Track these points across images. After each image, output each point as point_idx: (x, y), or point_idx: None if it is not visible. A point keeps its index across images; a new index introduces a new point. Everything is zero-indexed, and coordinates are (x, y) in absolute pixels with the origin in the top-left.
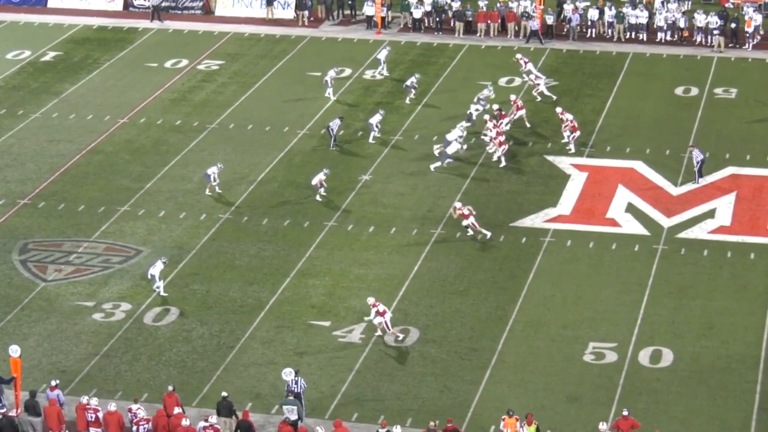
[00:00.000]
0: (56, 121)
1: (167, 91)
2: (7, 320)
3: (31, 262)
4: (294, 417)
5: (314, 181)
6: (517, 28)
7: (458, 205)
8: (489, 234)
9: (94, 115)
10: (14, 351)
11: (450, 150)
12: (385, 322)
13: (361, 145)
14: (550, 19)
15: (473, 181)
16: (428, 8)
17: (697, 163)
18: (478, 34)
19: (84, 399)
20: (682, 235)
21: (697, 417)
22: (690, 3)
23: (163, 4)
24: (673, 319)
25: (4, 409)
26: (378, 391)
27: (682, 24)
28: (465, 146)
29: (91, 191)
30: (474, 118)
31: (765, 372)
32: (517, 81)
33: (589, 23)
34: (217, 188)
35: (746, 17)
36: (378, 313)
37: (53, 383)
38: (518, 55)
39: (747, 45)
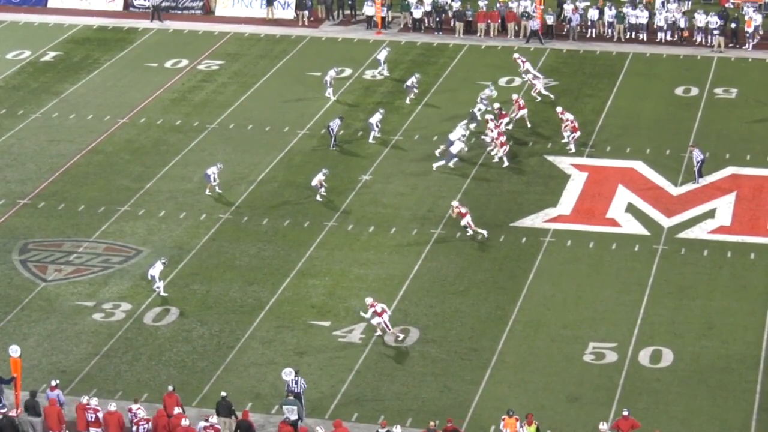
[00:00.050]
0: (56, 121)
1: (167, 91)
2: (7, 320)
3: (31, 262)
4: (294, 417)
5: (314, 182)
6: (517, 28)
7: (456, 203)
8: (485, 233)
9: (94, 115)
10: (14, 351)
11: (454, 149)
12: (384, 322)
13: (361, 145)
14: (550, 19)
15: (473, 181)
16: (428, 8)
17: (697, 163)
18: (478, 34)
19: (84, 399)
20: (682, 235)
21: (697, 417)
22: (690, 3)
23: (163, 4)
24: (673, 319)
25: (5, 409)
26: (378, 391)
27: (682, 24)
28: (467, 147)
29: (91, 191)
30: (478, 117)
31: (765, 372)
32: (518, 81)
33: (589, 23)
34: (217, 188)
35: (746, 17)
36: (376, 314)
37: (53, 383)
38: (516, 55)
39: (747, 45)
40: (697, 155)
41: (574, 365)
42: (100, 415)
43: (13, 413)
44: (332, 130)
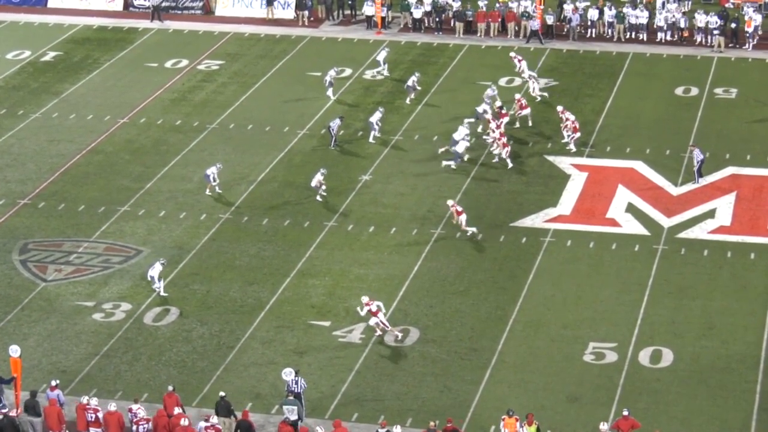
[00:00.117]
0: (56, 121)
1: (167, 91)
2: (7, 320)
3: (31, 262)
4: (294, 417)
5: (313, 183)
6: (517, 28)
7: (451, 202)
8: (475, 229)
9: (94, 115)
10: (14, 351)
11: (460, 149)
12: (380, 321)
13: (361, 145)
14: (550, 19)
15: (473, 180)
16: (428, 8)
17: (698, 163)
18: (478, 34)
19: (84, 399)
20: (682, 235)
21: (697, 417)
22: (690, 3)
23: (163, 4)
24: (673, 319)
25: (6, 410)
26: (378, 391)
27: (682, 24)
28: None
29: (91, 191)
30: (482, 117)
31: (765, 372)
32: (518, 81)
33: (589, 23)
34: (217, 188)
35: (746, 17)
36: (371, 312)
37: (53, 383)
38: (512, 54)
39: (747, 45)
40: (698, 155)
41: (574, 365)
42: (100, 415)
43: (13, 413)
44: (332, 129)
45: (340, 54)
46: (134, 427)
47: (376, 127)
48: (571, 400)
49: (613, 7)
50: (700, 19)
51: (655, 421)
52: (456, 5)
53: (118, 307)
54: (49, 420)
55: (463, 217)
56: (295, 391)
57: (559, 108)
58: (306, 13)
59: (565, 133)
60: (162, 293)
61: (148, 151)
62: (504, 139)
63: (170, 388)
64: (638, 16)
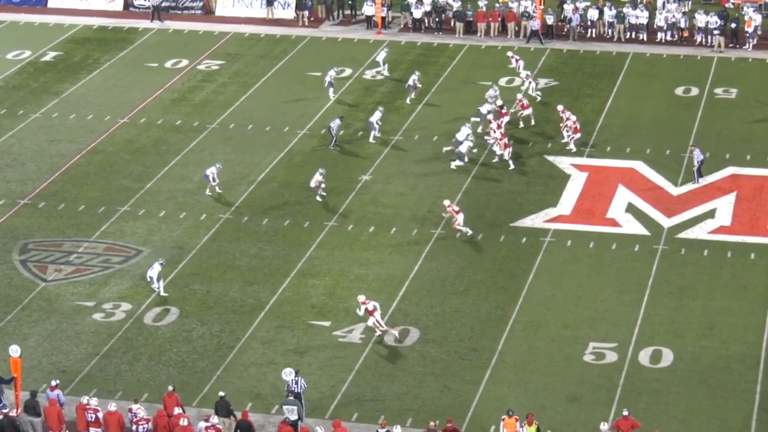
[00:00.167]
0: (56, 121)
1: (167, 91)
2: (7, 320)
3: (31, 262)
4: (294, 417)
5: (312, 183)
6: (517, 28)
7: (447, 202)
8: (470, 232)
9: (95, 115)
10: (14, 351)
11: (463, 149)
12: (376, 321)
13: (361, 145)
14: (550, 19)
15: (473, 181)
16: (428, 8)
17: (698, 163)
18: (478, 34)
19: (84, 399)
20: (683, 235)
21: (697, 417)
22: (690, 3)
23: (164, 4)
24: (673, 319)
25: (6, 410)
26: (378, 391)
27: (682, 24)
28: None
29: (91, 191)
30: (484, 117)
31: (765, 372)
32: (518, 81)
33: (589, 23)
34: (217, 188)
35: (746, 17)
36: (367, 312)
37: (53, 383)
38: (509, 53)
39: (747, 45)
40: (698, 155)
41: (574, 365)
42: (100, 415)
43: (13, 413)
44: (332, 130)
45: (340, 54)
46: (134, 427)
47: (376, 126)
48: (571, 400)
49: (613, 7)
50: (701, 19)
51: (655, 421)
52: (456, 5)
53: (118, 307)
54: (49, 420)
55: (460, 217)
56: (295, 391)
57: (560, 107)
58: (306, 13)
59: (564, 133)
60: (162, 293)
61: (148, 151)
62: (505, 140)
63: (170, 388)
64: (638, 16)
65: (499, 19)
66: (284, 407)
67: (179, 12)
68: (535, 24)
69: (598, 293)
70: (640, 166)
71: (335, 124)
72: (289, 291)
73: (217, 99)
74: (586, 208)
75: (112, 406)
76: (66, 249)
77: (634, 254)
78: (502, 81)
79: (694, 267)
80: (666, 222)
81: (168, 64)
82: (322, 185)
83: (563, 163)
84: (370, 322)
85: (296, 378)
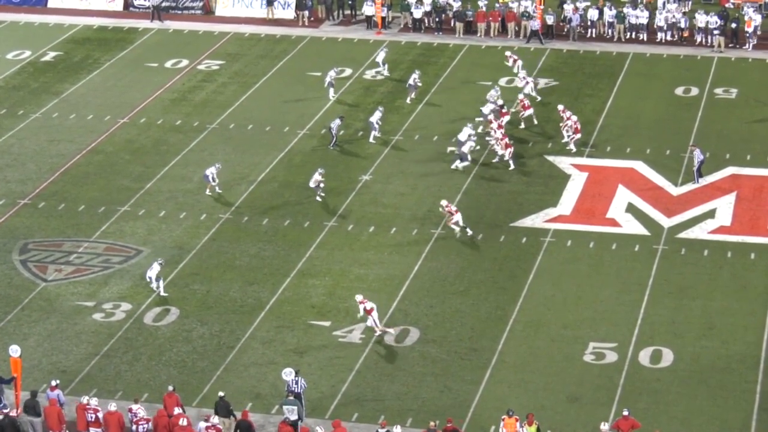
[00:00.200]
0: (56, 121)
1: (167, 91)
2: (7, 320)
3: (32, 262)
4: (294, 417)
5: (312, 183)
6: (517, 28)
7: (445, 202)
8: (458, 230)
9: (95, 115)
10: (14, 351)
11: (466, 149)
12: (373, 321)
13: (361, 145)
14: (550, 19)
15: (473, 180)
16: (428, 8)
17: (698, 163)
18: (478, 34)
19: (84, 399)
20: (683, 235)
21: (697, 417)
22: (690, 3)
23: (164, 4)
24: (674, 319)
25: (7, 410)
26: (378, 391)
27: (682, 24)
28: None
29: (91, 191)
30: (487, 117)
31: (765, 372)
32: (518, 81)
33: (589, 23)
34: (217, 188)
35: (746, 17)
36: (365, 311)
37: (53, 383)
38: (507, 53)
39: (747, 45)
40: (698, 155)
41: (574, 365)
42: (100, 415)
43: (13, 413)
44: (333, 130)
45: (340, 54)
46: (134, 427)
47: (376, 126)
48: (572, 400)
49: (613, 7)
50: (701, 19)
51: (655, 421)
52: (456, 5)
53: (118, 307)
54: (49, 420)
55: (458, 216)
56: (295, 391)
57: (560, 107)
58: (306, 13)
59: (564, 132)
60: (162, 293)
61: (148, 151)
62: (506, 140)
63: (170, 388)
64: (638, 16)
65: (499, 19)
66: (284, 407)
67: (179, 12)
68: (535, 24)
69: (598, 293)
70: (640, 166)
71: (335, 124)
72: (289, 291)
73: (217, 99)
74: (586, 208)
75: (112, 406)
76: (66, 249)
77: (634, 254)
78: (502, 81)
79: (694, 267)
80: (666, 222)
81: (168, 64)
82: (321, 185)
83: (563, 163)
84: (369, 321)
85: (296, 378)
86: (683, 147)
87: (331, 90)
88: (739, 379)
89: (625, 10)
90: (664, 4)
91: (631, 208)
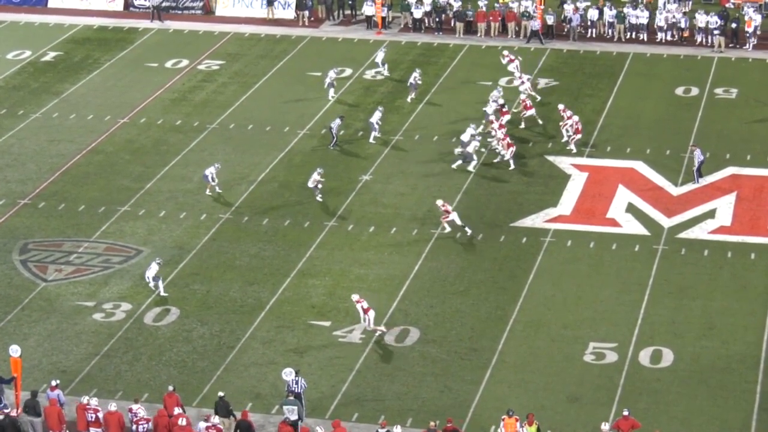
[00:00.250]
0: (56, 121)
1: (167, 91)
2: (7, 320)
3: (32, 262)
4: (294, 417)
5: (310, 183)
6: (517, 28)
7: (440, 202)
8: (449, 229)
9: (95, 115)
10: (14, 351)
11: (471, 149)
12: (369, 320)
13: (362, 145)
14: (550, 19)
15: (474, 180)
16: (428, 8)
17: (698, 163)
18: (478, 34)
19: (84, 399)
20: (683, 235)
21: (697, 417)
22: (690, 3)
23: (164, 4)
24: (674, 319)
25: (8, 410)
26: (378, 391)
27: (682, 24)
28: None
29: (91, 191)
30: (489, 117)
31: (765, 372)
32: (517, 81)
33: (590, 23)
34: (216, 188)
35: (746, 17)
36: (363, 310)
37: (53, 383)
38: (505, 52)
39: (747, 45)
40: (698, 155)
41: (574, 365)
42: (101, 415)
43: (13, 413)
44: (333, 130)
45: (341, 54)
46: (134, 427)
47: (376, 127)
48: (572, 400)
49: (613, 7)
50: (701, 19)
51: (655, 421)
52: (456, 5)
53: (118, 307)
54: (50, 420)
55: (454, 215)
56: (296, 391)
57: (561, 106)
58: (306, 13)
59: (564, 132)
60: (162, 293)
61: (149, 151)
62: (508, 140)
63: (170, 388)
64: (639, 16)
65: (500, 19)
66: (284, 407)
67: (179, 12)
68: (536, 24)
69: (598, 293)
70: (641, 166)
71: (336, 124)
72: (289, 291)
73: (217, 99)
74: (587, 208)
75: (113, 406)
76: (66, 249)
77: (635, 254)
78: (503, 81)
79: (695, 267)
80: (666, 222)
81: (168, 64)
82: (320, 186)
83: (563, 163)
84: (366, 321)
85: (296, 378)
86: (683, 147)
87: (332, 90)
88: (739, 379)
89: (625, 10)
90: (664, 4)
91: (631, 208)
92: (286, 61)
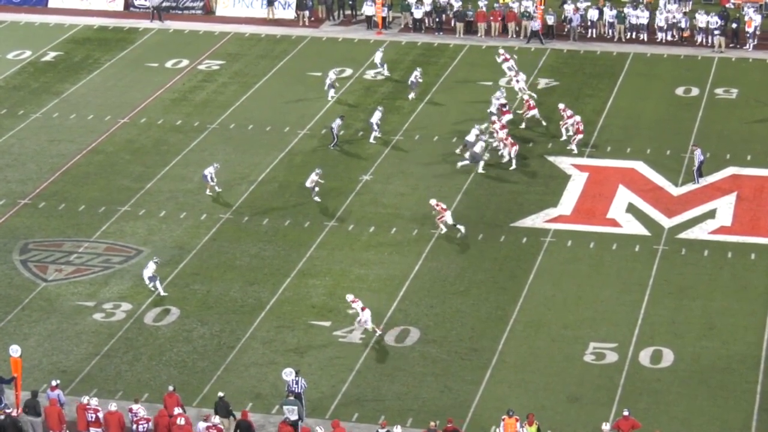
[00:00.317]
0: (57, 121)
1: (168, 91)
2: (7, 320)
3: (32, 262)
4: (294, 417)
5: (308, 183)
6: (517, 28)
7: (434, 201)
8: (444, 229)
9: (95, 115)
10: (15, 351)
11: (478, 149)
12: (366, 320)
13: (362, 145)
14: (550, 20)
15: (474, 180)
16: (428, 8)
17: (698, 163)
18: (478, 35)
19: (84, 399)
20: (683, 235)
21: (697, 417)
22: (691, 3)
23: (164, 4)
24: (674, 319)
25: (9, 410)
26: (378, 391)
27: (682, 24)
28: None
29: (91, 191)
30: (492, 117)
31: (765, 372)
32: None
33: (590, 23)
34: (216, 188)
35: (747, 17)
36: (361, 310)
37: (54, 383)
38: (500, 50)
39: (748, 45)
40: (699, 156)
41: (574, 365)
42: (101, 415)
43: (13, 413)
44: (334, 130)
45: (341, 54)
46: (135, 427)
47: (377, 127)
48: (572, 400)
49: (613, 8)
50: (701, 19)
51: (655, 422)
52: (456, 5)
53: (118, 307)
54: (50, 420)
55: (448, 214)
56: (296, 391)
57: (561, 106)
58: (306, 13)
59: (564, 131)
60: (162, 293)
61: (149, 151)
62: (510, 139)
63: (171, 388)
64: (639, 16)
65: (500, 19)
66: (284, 407)
67: (180, 12)
68: (536, 24)
69: (598, 293)
70: (641, 167)
71: (336, 124)
72: (289, 291)
73: (217, 99)
74: (587, 209)
75: (113, 406)
76: (66, 249)
77: (635, 254)
78: (503, 81)
79: (695, 267)
80: (666, 222)
81: (168, 64)
82: (317, 187)
83: (564, 163)
84: (363, 319)
85: (296, 378)
86: (683, 147)
87: (332, 91)
88: (740, 380)
89: (625, 10)
90: (664, 4)
91: (631, 209)
92: (287, 61)
